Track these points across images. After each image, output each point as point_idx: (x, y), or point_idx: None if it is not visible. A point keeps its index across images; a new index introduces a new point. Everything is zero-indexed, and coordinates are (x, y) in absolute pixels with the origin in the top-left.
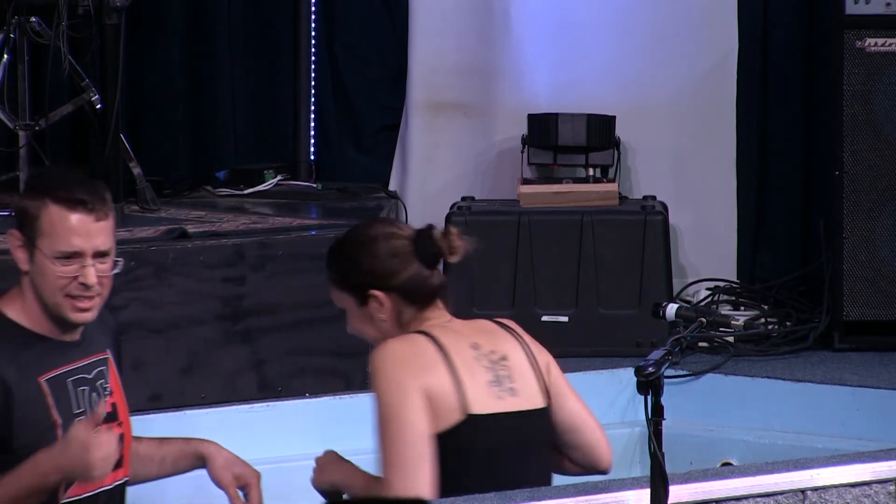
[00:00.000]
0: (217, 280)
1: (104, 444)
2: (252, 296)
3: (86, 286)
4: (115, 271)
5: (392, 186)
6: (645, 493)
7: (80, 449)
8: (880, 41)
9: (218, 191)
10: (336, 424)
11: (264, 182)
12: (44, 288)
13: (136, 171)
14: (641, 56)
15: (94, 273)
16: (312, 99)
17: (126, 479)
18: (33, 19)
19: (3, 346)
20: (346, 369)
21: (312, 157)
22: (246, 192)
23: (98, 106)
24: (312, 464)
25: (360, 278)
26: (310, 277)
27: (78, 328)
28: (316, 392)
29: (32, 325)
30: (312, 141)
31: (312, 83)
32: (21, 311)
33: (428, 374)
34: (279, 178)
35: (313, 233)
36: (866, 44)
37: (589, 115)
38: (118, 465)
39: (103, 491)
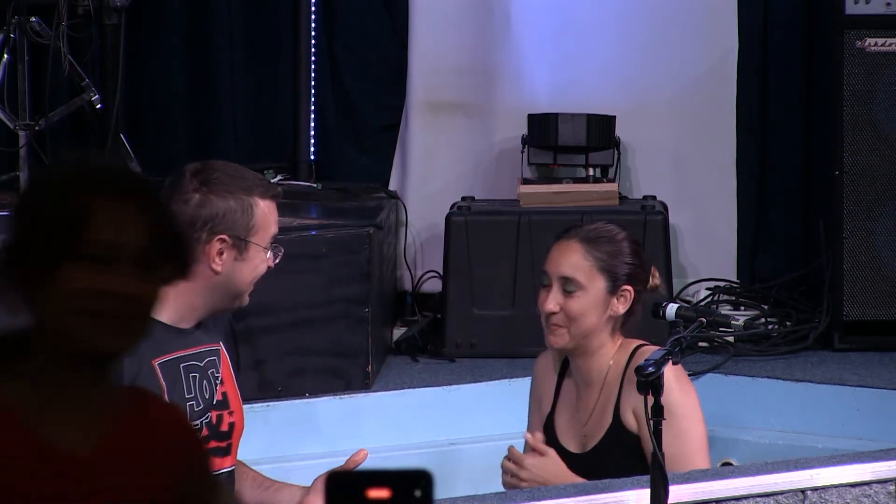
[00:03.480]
0: None
1: None
2: (252, 296)
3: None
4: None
5: (392, 186)
6: (645, 493)
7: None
8: (880, 41)
9: None
10: (336, 424)
11: None
12: (245, 279)
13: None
14: (641, 56)
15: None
16: (312, 99)
17: (233, 467)
18: (33, 19)
19: None
20: (346, 369)
21: (312, 157)
22: None
23: (98, 106)
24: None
25: (626, 270)
26: (310, 277)
27: (195, 318)
28: (316, 392)
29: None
30: (312, 141)
31: (312, 83)
32: None
33: None
34: (279, 178)
35: (313, 233)
36: (866, 44)
37: (589, 115)
38: (226, 453)
39: None
